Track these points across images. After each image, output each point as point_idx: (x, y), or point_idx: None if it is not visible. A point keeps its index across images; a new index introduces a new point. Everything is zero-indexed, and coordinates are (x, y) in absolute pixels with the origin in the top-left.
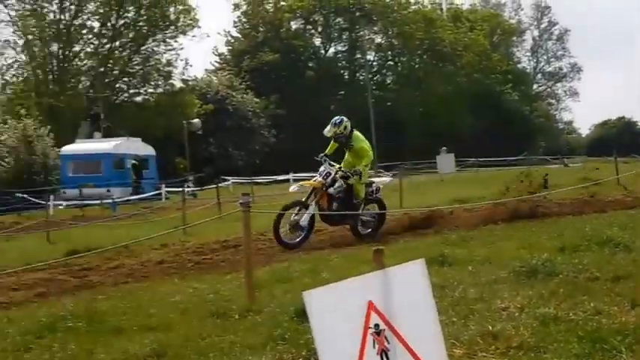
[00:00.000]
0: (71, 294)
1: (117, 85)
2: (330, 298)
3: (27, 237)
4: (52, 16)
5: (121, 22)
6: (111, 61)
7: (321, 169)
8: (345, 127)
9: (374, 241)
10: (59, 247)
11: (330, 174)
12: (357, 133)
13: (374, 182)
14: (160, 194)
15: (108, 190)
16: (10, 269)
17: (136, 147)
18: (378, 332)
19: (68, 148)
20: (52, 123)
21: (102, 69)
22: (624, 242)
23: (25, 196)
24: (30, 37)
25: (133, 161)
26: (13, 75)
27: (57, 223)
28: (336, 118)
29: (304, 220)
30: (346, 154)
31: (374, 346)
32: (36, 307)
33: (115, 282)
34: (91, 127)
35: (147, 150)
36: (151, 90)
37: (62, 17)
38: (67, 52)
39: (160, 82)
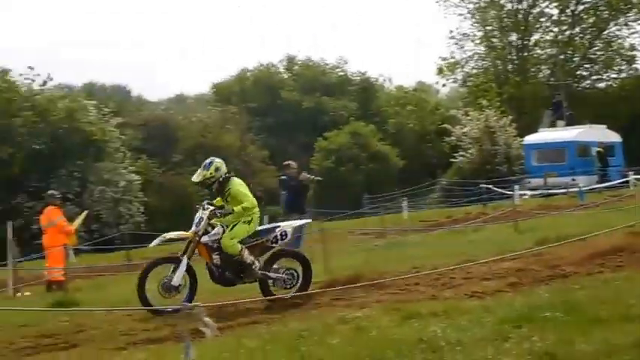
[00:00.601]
0: (544, 284)
1: (577, 72)
2: None
3: (495, 227)
4: (509, 6)
5: (581, 7)
6: (571, 48)
7: (196, 215)
8: (217, 169)
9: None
10: (528, 236)
11: (202, 219)
12: (235, 178)
13: (279, 226)
14: (627, 182)
15: (573, 179)
16: (482, 259)
17: (600, 134)
18: None
19: (532, 138)
20: (514, 113)
21: (562, 56)
22: None
23: (490, 186)
24: (489, 28)
25: (598, 149)
26: (473, 67)
27: (524, 212)
28: (207, 160)
29: (176, 279)
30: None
31: None
32: (510, 296)
33: (588, 271)
34: (553, 115)
35: (612, 137)
36: (614, 75)
37: (519, 7)
38: (525, 41)
39: (623, 67)
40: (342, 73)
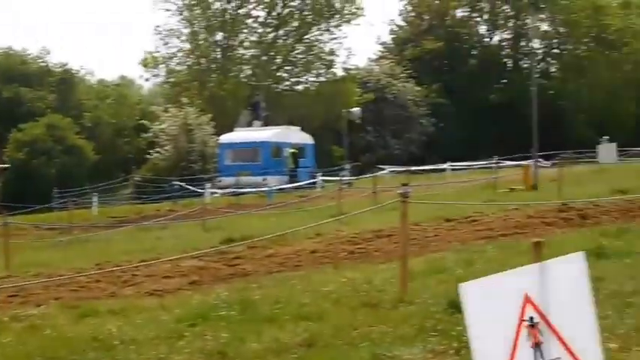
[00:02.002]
0: (225, 282)
1: (278, 74)
2: (485, 291)
3: (183, 225)
4: (217, 5)
5: (287, 10)
6: (274, 50)
7: None
8: None
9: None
10: (214, 234)
11: None
12: None
13: None
14: (315, 183)
15: (264, 179)
16: (166, 257)
17: (294, 136)
18: (532, 325)
19: (227, 137)
20: (214, 111)
21: (265, 57)
22: None
23: (182, 184)
24: (195, 25)
25: (291, 150)
26: (178, 63)
27: (213, 211)
28: None
29: None
30: None
31: (527, 339)
32: (189, 294)
33: (268, 271)
34: (250, 115)
35: (305, 139)
36: (312, 79)
37: (227, 7)
38: (231, 41)
39: (321, 71)
40: (43, 64)
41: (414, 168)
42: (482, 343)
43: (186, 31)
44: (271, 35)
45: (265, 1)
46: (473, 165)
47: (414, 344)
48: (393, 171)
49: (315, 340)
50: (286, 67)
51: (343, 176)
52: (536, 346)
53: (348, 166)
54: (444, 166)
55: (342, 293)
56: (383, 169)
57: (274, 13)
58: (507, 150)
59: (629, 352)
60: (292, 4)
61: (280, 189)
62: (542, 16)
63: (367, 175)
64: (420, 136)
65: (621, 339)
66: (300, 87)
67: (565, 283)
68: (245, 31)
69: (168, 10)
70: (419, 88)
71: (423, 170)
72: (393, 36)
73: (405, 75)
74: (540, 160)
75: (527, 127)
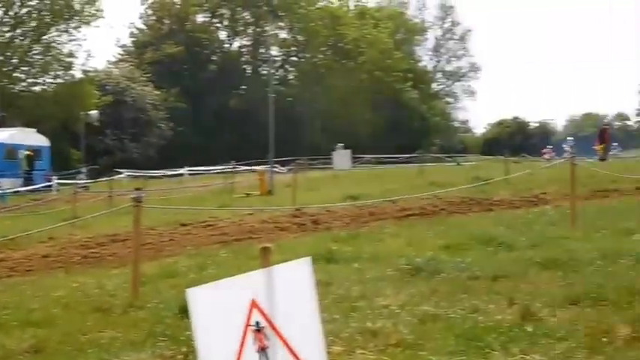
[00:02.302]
0: None
1: (15, 75)
2: (212, 296)
3: None
4: None
5: (25, 10)
6: (10, 50)
7: None
8: None
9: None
10: None
11: None
12: None
13: None
14: (50, 186)
15: None
16: None
17: (30, 137)
18: (258, 330)
19: None
20: None
21: (1, 57)
22: (507, 241)
23: None
24: None
25: (27, 152)
26: None
27: None
28: None
29: None
30: None
31: (253, 344)
32: None
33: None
34: None
35: (41, 141)
36: (50, 80)
37: None
38: None
39: (60, 73)
40: None
41: (152, 172)
42: (209, 348)
43: None
44: (8, 35)
45: (2, 0)
46: (211, 170)
47: (142, 349)
48: (130, 175)
49: (43, 347)
50: (23, 68)
51: (80, 179)
52: (262, 350)
53: (85, 170)
54: (182, 170)
55: (73, 298)
56: (120, 173)
57: (11, 13)
58: (245, 155)
59: (353, 354)
60: (31, 3)
61: (15, 192)
62: (282, 24)
63: (104, 179)
64: (158, 140)
65: (346, 342)
66: (37, 88)
67: (291, 287)
68: None
69: None
70: (158, 92)
71: (162, 175)
72: (133, 39)
73: (144, 78)
74: (277, 165)
75: (266, 133)
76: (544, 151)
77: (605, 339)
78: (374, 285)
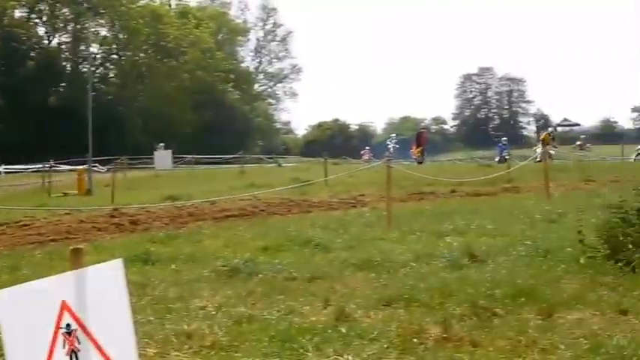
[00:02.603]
0: None
1: None
2: (21, 298)
3: None
4: None
5: None
6: None
7: None
8: None
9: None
10: None
11: None
12: None
13: None
14: None
15: None
16: None
17: None
18: (69, 332)
19: None
20: None
21: None
22: (324, 243)
23: None
24: None
25: None
26: None
27: None
28: None
29: None
30: None
31: (64, 347)
32: None
33: None
34: None
35: None
36: None
37: None
38: None
39: None
40: None
41: None
42: (17, 352)
43: None
44: None
45: None
46: (28, 168)
47: None
48: None
49: None
50: None
51: None
52: (73, 353)
53: None
54: None
55: None
56: None
57: None
58: (64, 154)
59: (167, 356)
60: None
61: None
62: (102, 21)
63: None
64: None
65: (160, 344)
66: None
67: (103, 289)
68: None
69: None
70: None
71: None
72: None
73: None
74: (96, 165)
75: (85, 131)
76: (362, 152)
77: (416, 339)
78: (191, 286)
